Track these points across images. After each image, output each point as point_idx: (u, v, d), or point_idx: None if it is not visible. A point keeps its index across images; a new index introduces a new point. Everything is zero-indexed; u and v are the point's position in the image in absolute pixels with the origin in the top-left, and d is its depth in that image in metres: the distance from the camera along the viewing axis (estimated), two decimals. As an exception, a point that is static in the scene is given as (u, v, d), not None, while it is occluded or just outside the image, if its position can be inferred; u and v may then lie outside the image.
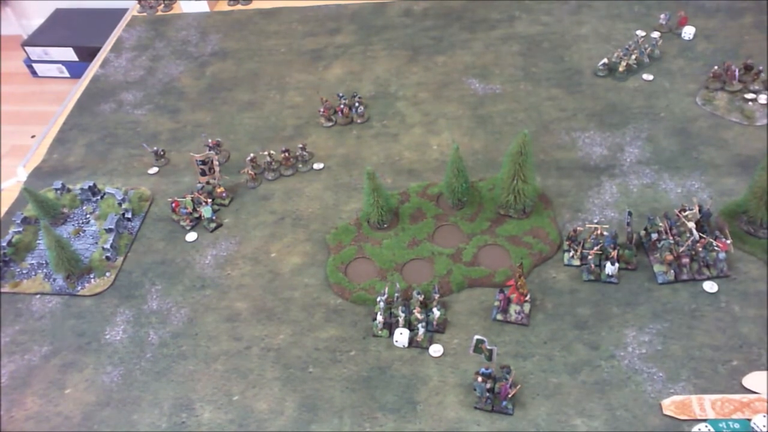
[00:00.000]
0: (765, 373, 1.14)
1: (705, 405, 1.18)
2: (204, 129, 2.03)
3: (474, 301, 1.44)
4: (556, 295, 1.43)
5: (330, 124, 1.96)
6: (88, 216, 1.78)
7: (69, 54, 4.62)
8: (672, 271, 1.40)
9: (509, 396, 1.11)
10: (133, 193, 1.80)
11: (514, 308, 1.40)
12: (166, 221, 1.74)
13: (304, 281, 1.54)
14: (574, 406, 1.24)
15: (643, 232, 1.49)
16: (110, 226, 1.67)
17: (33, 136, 4.10)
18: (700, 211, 1.45)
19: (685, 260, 1.39)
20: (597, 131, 1.81)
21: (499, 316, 1.39)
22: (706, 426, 1.14)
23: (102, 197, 1.80)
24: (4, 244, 1.69)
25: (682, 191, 1.60)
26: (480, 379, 1.16)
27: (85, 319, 1.54)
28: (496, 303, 1.40)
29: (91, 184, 1.81)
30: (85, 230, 1.74)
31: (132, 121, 2.11)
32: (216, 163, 1.77)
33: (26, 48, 4.71)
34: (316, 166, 1.83)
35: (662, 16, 2.10)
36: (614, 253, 1.42)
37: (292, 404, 1.31)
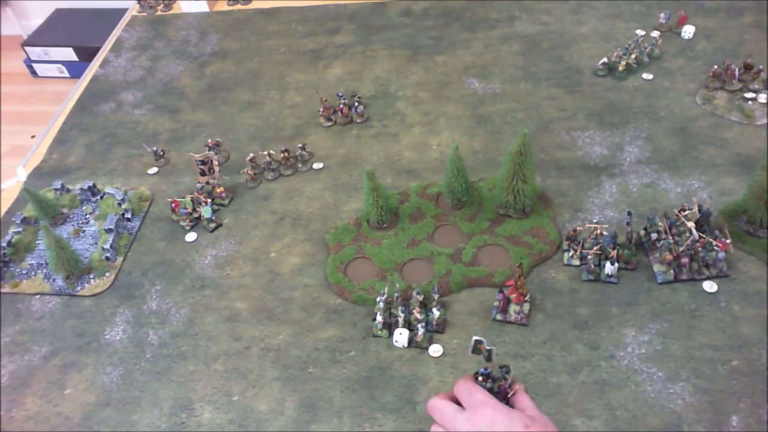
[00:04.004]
0: None
1: None
2: (204, 129, 2.03)
3: (473, 301, 1.44)
4: (556, 295, 1.42)
5: (329, 123, 1.96)
6: (87, 216, 1.78)
7: (69, 54, 4.63)
8: (671, 270, 1.40)
9: (509, 395, 1.11)
10: (133, 193, 1.80)
11: (513, 308, 1.39)
12: (165, 221, 1.74)
13: (304, 281, 1.54)
14: (574, 406, 1.24)
15: (642, 232, 1.49)
16: (110, 227, 1.67)
17: (33, 136, 4.10)
18: (699, 210, 1.45)
19: (685, 260, 1.39)
20: (597, 131, 1.80)
21: (499, 316, 1.39)
22: None
23: (102, 197, 1.80)
24: (3, 244, 1.69)
25: (681, 191, 1.60)
26: (480, 379, 1.16)
27: (85, 319, 1.54)
28: (496, 303, 1.40)
29: (91, 184, 1.81)
30: (84, 230, 1.74)
31: (132, 121, 2.11)
32: (216, 163, 1.77)
33: (26, 48, 4.72)
34: (315, 165, 1.83)
35: (662, 15, 2.09)
36: (614, 253, 1.42)
37: (292, 404, 1.31)
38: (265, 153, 1.82)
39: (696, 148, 1.70)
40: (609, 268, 1.41)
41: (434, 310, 1.38)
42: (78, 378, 1.42)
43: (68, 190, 1.84)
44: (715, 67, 1.86)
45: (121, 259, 1.65)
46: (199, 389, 1.36)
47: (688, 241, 1.40)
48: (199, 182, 1.80)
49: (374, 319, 1.40)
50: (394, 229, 1.60)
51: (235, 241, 1.66)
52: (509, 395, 1.10)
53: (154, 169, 1.90)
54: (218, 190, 1.76)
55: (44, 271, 1.65)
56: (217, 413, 1.31)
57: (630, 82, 1.94)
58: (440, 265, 1.50)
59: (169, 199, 1.73)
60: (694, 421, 1.19)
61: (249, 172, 1.79)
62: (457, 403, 1.05)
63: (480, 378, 1.13)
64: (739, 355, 1.27)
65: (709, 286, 1.38)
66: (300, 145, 1.84)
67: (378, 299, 1.41)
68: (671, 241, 1.42)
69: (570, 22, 2.21)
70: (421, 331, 1.36)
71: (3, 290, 1.62)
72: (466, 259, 1.50)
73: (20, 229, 1.75)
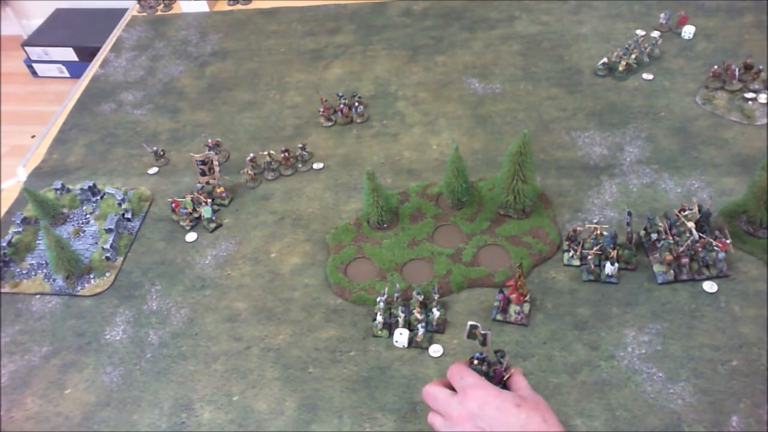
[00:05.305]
0: None
1: None
2: (204, 129, 2.03)
3: (474, 301, 1.44)
4: (556, 295, 1.42)
5: (330, 123, 1.96)
6: (87, 216, 1.78)
7: (69, 54, 4.63)
8: (672, 271, 1.40)
9: (504, 379, 1.11)
10: (133, 193, 1.80)
11: (513, 308, 1.39)
12: (165, 221, 1.74)
13: (304, 281, 1.54)
14: (574, 406, 1.24)
15: (642, 232, 1.49)
16: (110, 227, 1.67)
17: (33, 136, 4.11)
18: (699, 210, 1.45)
19: (685, 260, 1.39)
20: (597, 131, 1.81)
21: (499, 317, 1.39)
22: None
23: (102, 197, 1.80)
24: (4, 244, 1.69)
25: (681, 191, 1.60)
26: (475, 363, 1.16)
27: (85, 319, 1.54)
28: (496, 303, 1.40)
29: (91, 184, 1.81)
30: (84, 230, 1.74)
31: (132, 121, 2.11)
32: (216, 163, 1.77)
33: (26, 48, 4.72)
34: (315, 166, 1.83)
35: (662, 15, 2.09)
36: (614, 253, 1.42)
37: (292, 404, 1.31)
38: (265, 153, 1.82)
39: (696, 148, 1.71)
40: (609, 268, 1.41)
41: (434, 310, 1.38)
42: (78, 378, 1.42)
43: (68, 190, 1.84)
44: (715, 67, 1.86)
45: (121, 259, 1.65)
46: (199, 389, 1.36)
47: (688, 242, 1.40)
48: (199, 182, 1.80)
49: (374, 319, 1.40)
50: (394, 229, 1.60)
51: (235, 241, 1.66)
52: (505, 378, 1.10)
53: (154, 169, 1.90)
54: (218, 190, 1.76)
55: (44, 271, 1.65)
56: (217, 413, 1.32)
57: (630, 82, 1.94)
58: (440, 265, 1.50)
59: (169, 199, 1.73)
60: (694, 421, 1.19)
61: (249, 172, 1.79)
62: (452, 388, 1.06)
63: (475, 362, 1.13)
64: (739, 355, 1.27)
65: (709, 286, 1.38)
66: (300, 145, 1.84)
67: (378, 299, 1.41)
68: (671, 242, 1.42)
69: (570, 22, 2.21)
70: (421, 331, 1.36)
71: (3, 290, 1.62)
72: (467, 259, 1.51)
73: (20, 229, 1.75)
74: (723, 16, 2.12)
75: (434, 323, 1.38)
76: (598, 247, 1.45)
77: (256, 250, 1.63)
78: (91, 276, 1.61)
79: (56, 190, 1.83)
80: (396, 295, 1.43)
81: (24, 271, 1.66)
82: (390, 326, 1.40)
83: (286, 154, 1.82)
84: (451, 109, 1.96)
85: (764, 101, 1.79)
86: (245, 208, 1.75)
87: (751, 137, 1.71)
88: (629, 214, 1.47)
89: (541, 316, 1.39)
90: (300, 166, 1.84)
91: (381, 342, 1.39)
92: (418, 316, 1.37)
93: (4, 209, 1.87)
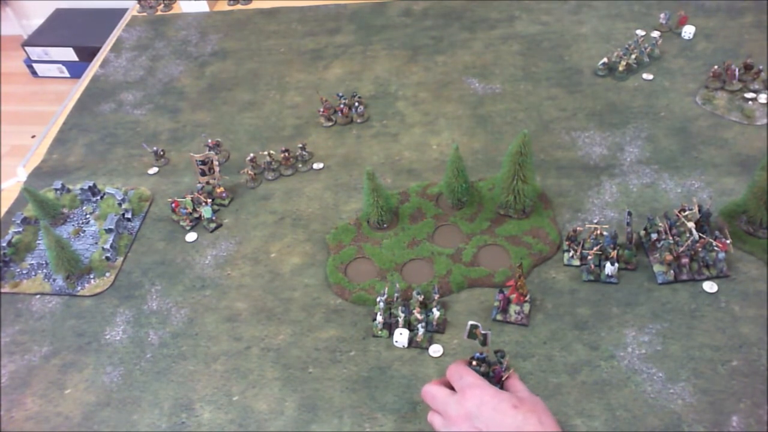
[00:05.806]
0: None
1: None
2: (204, 129, 2.03)
3: (474, 301, 1.44)
4: (556, 295, 1.43)
5: (330, 123, 1.96)
6: (87, 216, 1.78)
7: (69, 54, 4.63)
8: (672, 271, 1.40)
9: (503, 379, 1.12)
10: (133, 193, 1.80)
11: (513, 308, 1.39)
12: (166, 221, 1.74)
13: (304, 281, 1.54)
14: (574, 407, 1.24)
15: (642, 232, 1.49)
16: (110, 227, 1.67)
17: (33, 136, 4.11)
18: (699, 210, 1.45)
19: (685, 260, 1.39)
20: (597, 131, 1.81)
21: (499, 317, 1.39)
22: None
23: (102, 197, 1.80)
24: (4, 244, 1.69)
25: (681, 191, 1.60)
26: (474, 363, 1.17)
27: (85, 319, 1.54)
28: (496, 303, 1.40)
29: (91, 184, 1.81)
30: (84, 230, 1.74)
31: (132, 121, 2.11)
32: (216, 163, 1.77)
33: (26, 48, 4.72)
34: (315, 165, 1.83)
35: (662, 15, 2.10)
36: (614, 253, 1.42)
37: (292, 404, 1.31)
38: (265, 153, 1.82)
39: (696, 148, 1.71)
40: (609, 268, 1.41)
41: (434, 310, 1.38)
42: (78, 378, 1.42)
43: (68, 190, 1.84)
44: (715, 67, 1.86)
45: (121, 259, 1.65)
46: (199, 389, 1.36)
47: (689, 242, 1.40)
48: (199, 182, 1.80)
49: (374, 319, 1.40)
50: (394, 229, 1.60)
51: (235, 241, 1.66)
52: (504, 379, 1.10)
53: (154, 169, 1.90)
54: (218, 190, 1.76)
55: (44, 271, 1.65)
56: (217, 413, 1.32)
57: (630, 82, 1.94)
58: (440, 265, 1.50)
59: (170, 199, 1.73)
60: (694, 422, 1.19)
61: (249, 172, 1.79)
62: (451, 388, 1.06)
63: (474, 362, 1.13)
64: (739, 355, 1.27)
65: (709, 286, 1.38)
66: (300, 145, 1.84)
67: (378, 299, 1.41)
68: (671, 242, 1.42)
69: (570, 22, 2.22)
70: (421, 331, 1.36)
71: (3, 290, 1.62)
72: (467, 259, 1.51)
73: (20, 229, 1.75)
74: (723, 16, 2.13)
75: (434, 323, 1.38)
76: (598, 247, 1.45)
77: (256, 250, 1.63)
78: (91, 276, 1.61)
79: (56, 190, 1.83)
80: (396, 295, 1.43)
81: (24, 271, 1.66)
82: (390, 326, 1.40)
83: (286, 154, 1.82)
84: (451, 109, 1.96)
85: (764, 101, 1.79)
86: (245, 208, 1.75)
87: (751, 137, 1.71)
88: (629, 214, 1.47)
89: (541, 316, 1.39)
90: (300, 166, 1.84)
91: (381, 342, 1.39)
92: (418, 316, 1.37)
93: (4, 209, 1.87)
